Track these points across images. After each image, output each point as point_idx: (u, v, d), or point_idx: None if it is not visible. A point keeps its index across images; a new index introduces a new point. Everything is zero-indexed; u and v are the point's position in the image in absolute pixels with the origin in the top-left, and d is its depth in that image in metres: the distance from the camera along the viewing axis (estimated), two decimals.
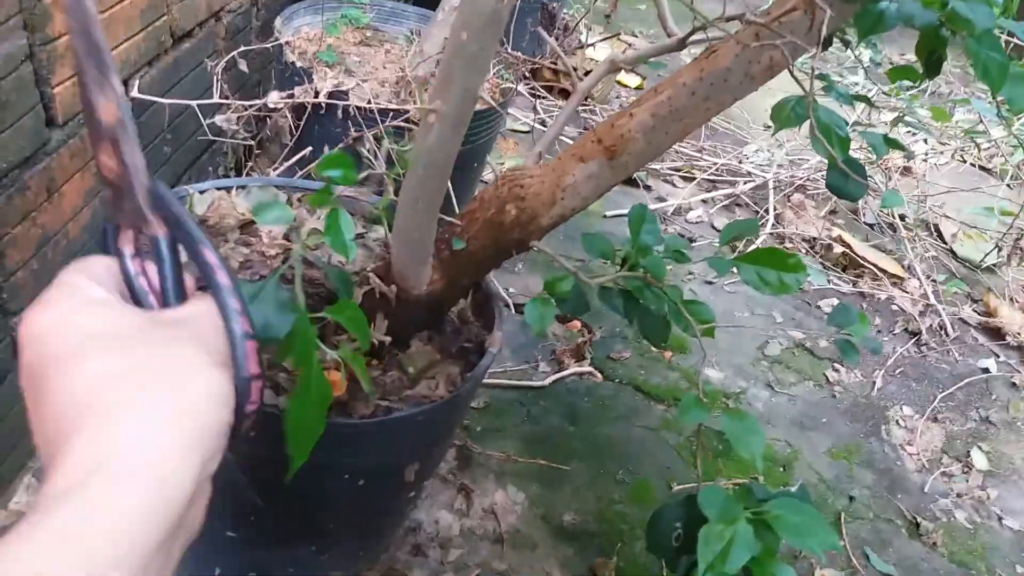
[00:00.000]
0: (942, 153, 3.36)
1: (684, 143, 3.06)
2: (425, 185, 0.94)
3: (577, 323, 2.16)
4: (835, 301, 2.51)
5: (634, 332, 2.09)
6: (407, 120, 1.69)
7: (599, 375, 2.02)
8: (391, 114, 1.73)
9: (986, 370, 2.37)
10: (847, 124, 1.07)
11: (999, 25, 0.94)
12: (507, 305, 2.08)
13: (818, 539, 1.00)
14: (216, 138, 1.79)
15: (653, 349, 2.10)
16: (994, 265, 2.83)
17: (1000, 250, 2.84)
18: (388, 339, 1.12)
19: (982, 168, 3.48)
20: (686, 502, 1.06)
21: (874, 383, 2.21)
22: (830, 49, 1.25)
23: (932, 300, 2.56)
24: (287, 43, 1.96)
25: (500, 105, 2.01)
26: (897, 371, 2.29)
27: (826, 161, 1.05)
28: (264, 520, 1.15)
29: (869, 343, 1.27)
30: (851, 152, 1.12)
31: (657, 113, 0.98)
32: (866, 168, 1.18)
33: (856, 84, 3.81)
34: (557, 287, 1.11)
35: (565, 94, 3.10)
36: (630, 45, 3.50)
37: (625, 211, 1.54)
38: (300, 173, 1.74)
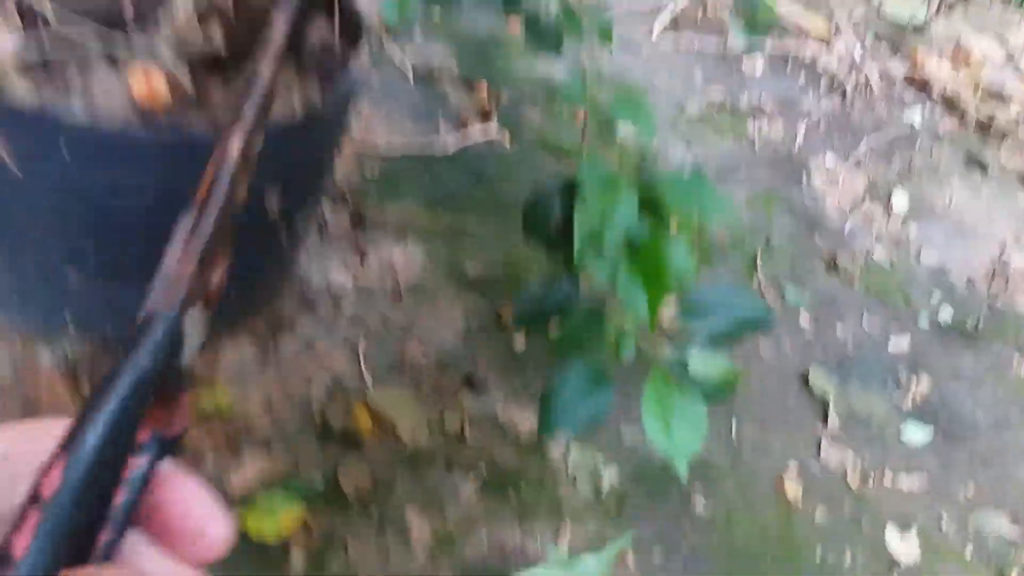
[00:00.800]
0: None
1: None
2: None
3: (484, 88, 2.00)
4: (760, 62, 2.38)
5: (545, 94, 1.95)
6: None
7: (507, 138, 1.88)
8: None
9: (911, 125, 2.28)
10: None
11: None
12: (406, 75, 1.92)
13: (713, 209, 0.90)
14: None
15: (564, 112, 1.97)
16: (923, 24, 2.71)
17: (929, 6, 2.71)
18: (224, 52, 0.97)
19: None
20: (565, 185, 0.95)
21: (796, 136, 2.12)
22: None
23: (858, 59, 2.44)
24: None
25: None
26: (821, 127, 2.19)
27: None
28: (105, 252, 1.02)
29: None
30: None
31: None
32: None
33: None
34: None
35: None
36: None
37: None
38: None
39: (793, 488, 1.37)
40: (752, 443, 1.43)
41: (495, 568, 1.20)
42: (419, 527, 1.23)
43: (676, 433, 0.91)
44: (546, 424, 0.96)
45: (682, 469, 0.92)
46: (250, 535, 1.15)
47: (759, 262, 1.69)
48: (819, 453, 1.44)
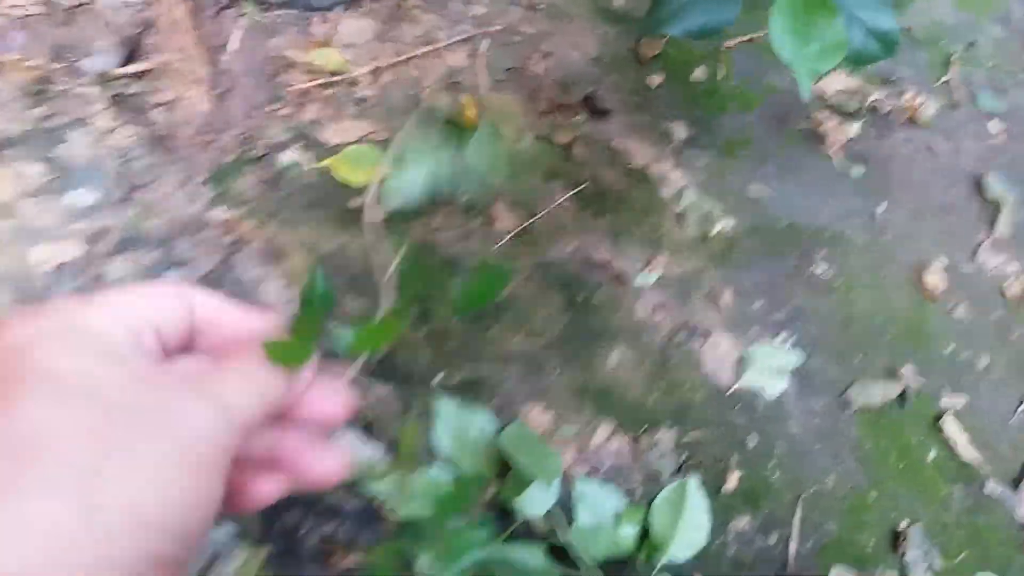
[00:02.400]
0: None
1: None
2: None
3: None
4: None
5: None
6: None
7: None
8: None
9: None
10: None
11: None
12: None
13: None
14: None
15: None
16: None
17: None
18: None
19: None
20: None
21: None
22: None
23: None
24: None
25: None
26: None
27: None
28: None
29: None
30: None
31: None
32: None
33: None
34: None
35: None
36: None
37: None
38: None
39: (935, 281, 1.19)
40: (899, 229, 1.25)
41: (574, 272, 1.11)
42: (505, 219, 1.15)
43: (808, 45, 0.77)
44: (655, 18, 0.84)
45: (805, 88, 0.78)
46: (337, 176, 1.11)
47: (955, 61, 1.46)
48: (975, 256, 1.23)
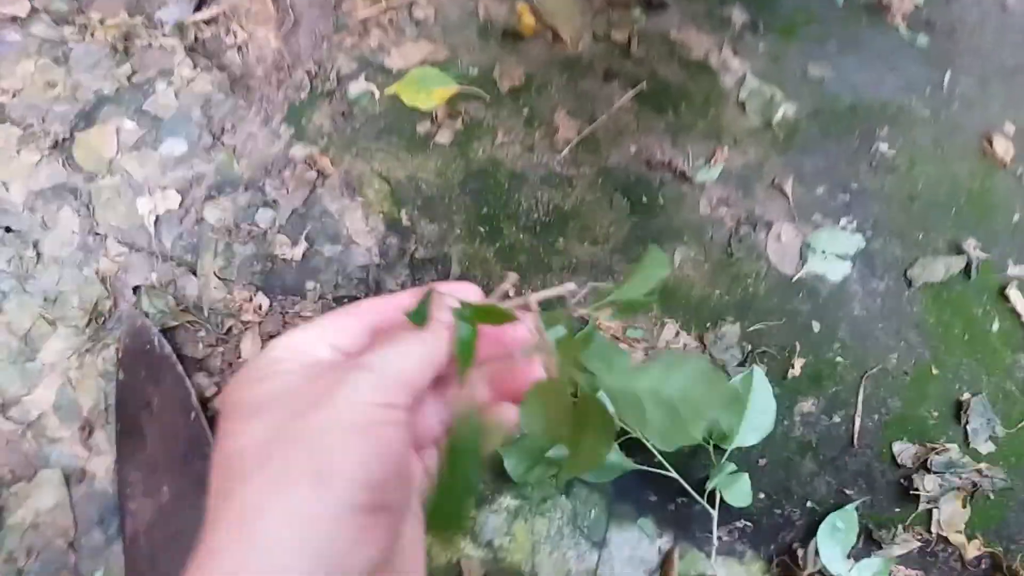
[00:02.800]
0: None
1: None
2: None
3: None
4: None
5: None
6: None
7: None
8: None
9: None
10: None
11: None
12: None
13: None
14: None
15: None
16: None
17: None
18: None
19: None
20: None
21: None
22: None
23: None
24: None
25: None
26: None
27: None
28: None
29: None
30: None
31: None
32: None
33: None
34: None
35: None
36: None
37: None
38: None
39: (1004, 146, 1.18)
40: (965, 97, 1.23)
41: (636, 174, 1.15)
42: (567, 127, 1.19)
43: None
44: None
45: None
46: (403, 102, 1.17)
47: None
48: None
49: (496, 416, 0.45)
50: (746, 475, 0.97)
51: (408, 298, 0.46)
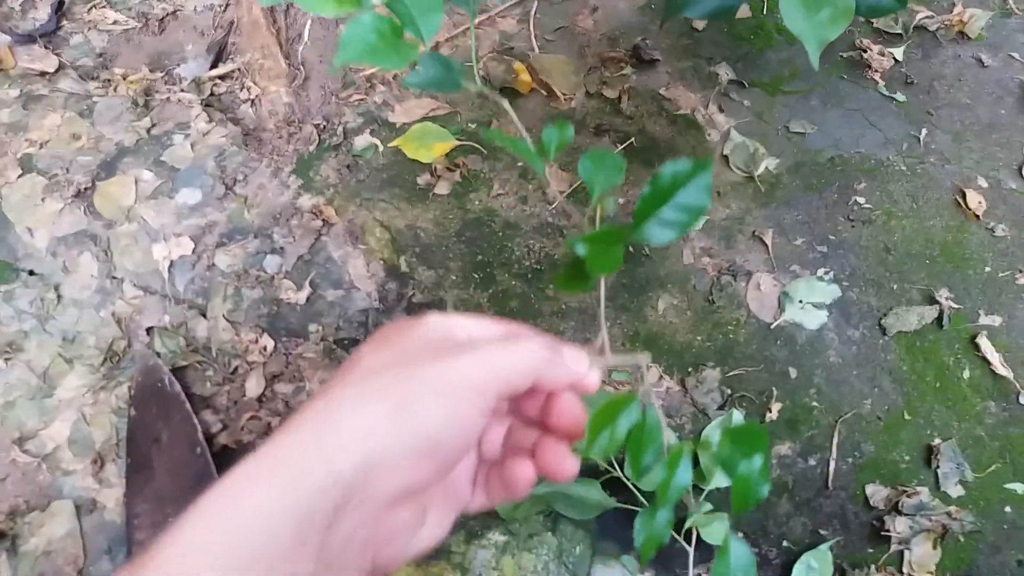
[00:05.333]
0: None
1: None
2: None
3: None
4: None
5: None
6: None
7: None
8: None
9: None
10: None
11: None
12: None
13: None
14: None
15: None
16: None
17: None
18: None
19: None
20: None
21: None
22: None
23: None
24: None
25: None
26: None
27: None
28: None
29: None
30: None
31: None
32: None
33: None
34: None
35: None
36: None
37: None
38: None
39: (977, 201, 1.24)
40: (941, 152, 1.29)
41: (623, 223, 1.21)
42: (558, 180, 1.26)
43: (818, 13, 0.84)
44: (673, 2, 0.92)
45: (814, 57, 0.85)
46: (405, 155, 1.24)
47: None
48: (1021, 172, 1.27)
49: (512, 472, 0.50)
50: (724, 515, 1.02)
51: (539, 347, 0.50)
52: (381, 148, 1.27)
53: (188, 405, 1.05)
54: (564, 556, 1.03)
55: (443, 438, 0.43)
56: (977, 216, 1.23)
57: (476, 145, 1.25)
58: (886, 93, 1.35)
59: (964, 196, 1.24)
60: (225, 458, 1.06)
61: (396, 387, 0.43)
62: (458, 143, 1.25)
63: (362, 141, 1.28)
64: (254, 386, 1.09)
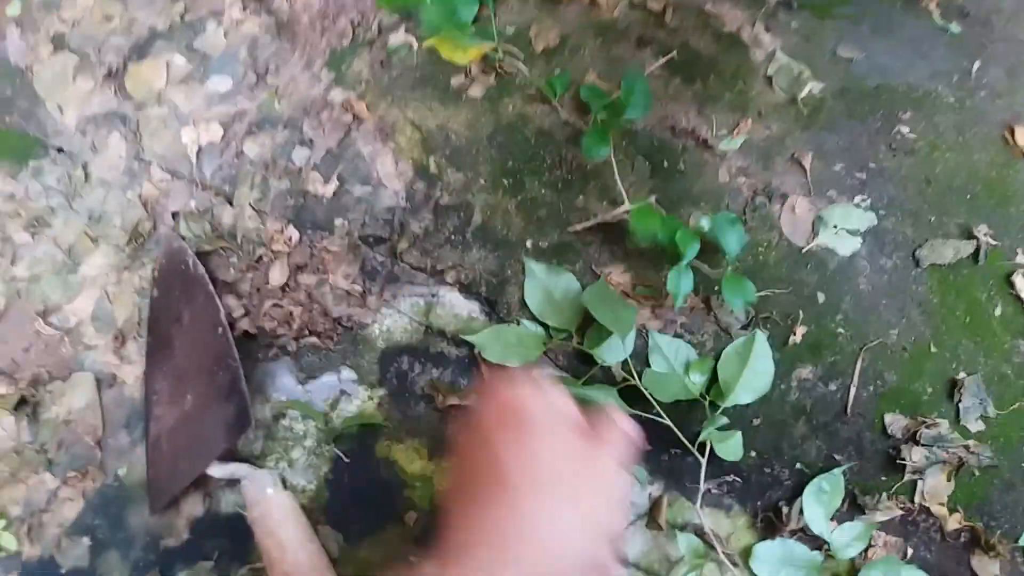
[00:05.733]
0: None
1: None
2: None
3: None
4: None
5: None
6: None
7: None
8: None
9: None
10: None
11: None
12: None
13: None
14: None
15: None
16: None
17: None
18: None
19: None
20: None
21: None
22: None
23: None
24: None
25: None
26: None
27: None
28: None
29: None
30: None
31: None
32: None
33: None
34: None
35: None
36: None
37: None
38: None
39: None
40: (993, 86, 1.25)
41: (660, 139, 1.19)
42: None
43: None
44: None
45: None
46: (440, 55, 1.21)
47: None
48: None
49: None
50: (738, 432, 1.01)
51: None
52: (416, 47, 1.24)
53: (211, 287, 1.05)
54: None
55: (618, 526, 0.61)
56: None
57: (513, 49, 1.22)
58: (940, 23, 1.30)
59: (1013, 133, 1.20)
60: (246, 343, 1.06)
61: (584, 487, 0.56)
62: (495, 45, 1.22)
63: (397, 38, 1.25)
64: (278, 275, 1.09)
